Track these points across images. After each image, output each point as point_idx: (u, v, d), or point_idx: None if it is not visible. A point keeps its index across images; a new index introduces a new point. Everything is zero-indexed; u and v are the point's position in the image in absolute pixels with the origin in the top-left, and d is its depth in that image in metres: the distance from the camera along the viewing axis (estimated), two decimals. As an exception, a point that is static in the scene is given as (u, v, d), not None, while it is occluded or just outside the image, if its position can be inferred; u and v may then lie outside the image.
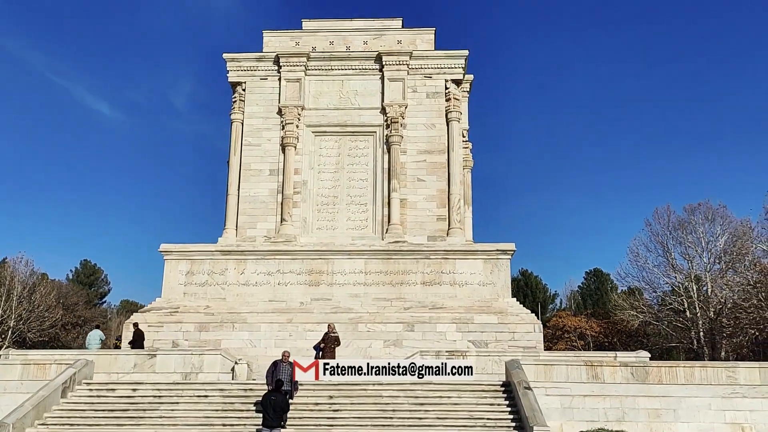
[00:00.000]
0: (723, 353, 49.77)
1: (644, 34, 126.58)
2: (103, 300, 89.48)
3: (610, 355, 27.01)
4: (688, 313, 50.72)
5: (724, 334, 49.81)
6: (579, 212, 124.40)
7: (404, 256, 33.59)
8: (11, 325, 54.06)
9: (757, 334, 48.02)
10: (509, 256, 33.35)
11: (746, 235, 49.76)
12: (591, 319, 69.49)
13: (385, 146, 36.39)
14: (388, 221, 35.02)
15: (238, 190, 36.28)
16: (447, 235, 34.81)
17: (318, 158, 36.89)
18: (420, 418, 19.62)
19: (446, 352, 27.41)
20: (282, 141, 36.63)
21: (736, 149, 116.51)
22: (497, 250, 33.34)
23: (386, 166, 36.00)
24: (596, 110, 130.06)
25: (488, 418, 19.49)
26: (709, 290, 50.35)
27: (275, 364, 20.21)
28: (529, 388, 19.90)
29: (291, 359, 20.80)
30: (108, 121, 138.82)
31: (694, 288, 50.73)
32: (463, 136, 40.09)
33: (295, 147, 36.49)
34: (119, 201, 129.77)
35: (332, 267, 33.71)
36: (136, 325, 33.82)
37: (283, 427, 16.99)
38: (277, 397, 16.66)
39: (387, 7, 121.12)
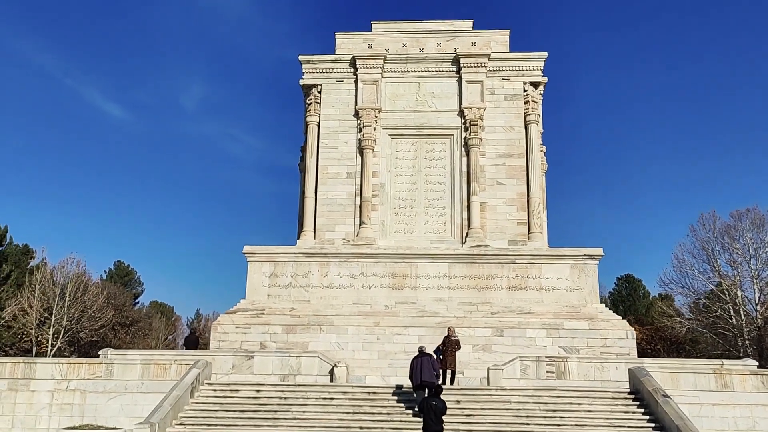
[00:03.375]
0: (771, 361, 49.06)
1: (692, 31, 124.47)
2: (137, 301, 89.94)
3: (716, 363, 26.51)
4: (734, 320, 50.08)
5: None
6: (609, 217, 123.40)
7: (489, 261, 33.30)
8: (64, 325, 54.26)
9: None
10: (596, 261, 33.00)
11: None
12: (634, 325, 68.69)
13: (463, 149, 36.16)
14: (468, 225, 34.75)
15: (315, 192, 36.17)
16: (528, 239, 34.51)
17: (395, 161, 36.73)
18: (558, 425, 19.32)
19: (546, 357, 27.16)
20: (359, 144, 36.50)
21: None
22: (584, 255, 33.00)
23: (465, 169, 35.76)
24: (626, 114, 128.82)
25: (629, 426, 19.15)
26: (757, 297, 49.71)
27: (415, 360, 20.08)
28: (667, 396, 19.55)
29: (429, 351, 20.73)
30: (118, 122, 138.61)
31: (740, 295, 50.10)
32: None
33: (373, 150, 36.35)
34: (133, 201, 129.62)
35: (416, 270, 33.47)
36: (192, 332, 34.28)
37: (442, 430, 16.74)
38: (438, 402, 16.44)
39: (414, 8, 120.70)
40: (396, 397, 21.32)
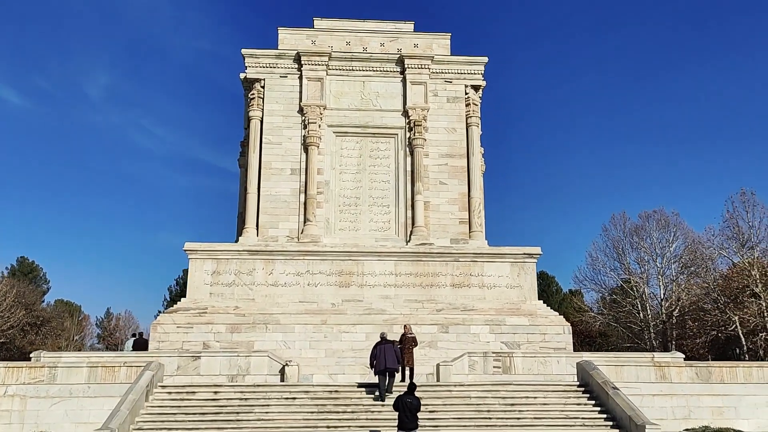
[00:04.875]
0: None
1: (620, 38, 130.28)
2: (42, 299, 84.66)
3: (647, 356, 28.33)
4: (641, 315, 53.77)
5: (676, 336, 53.09)
6: (525, 217, 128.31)
7: (434, 259, 33.91)
8: (-33, 326, 50.23)
9: (717, 334, 51.44)
10: (535, 260, 34.38)
11: (709, 241, 53.28)
12: (547, 320, 71.79)
13: (407, 149, 36.61)
14: (413, 223, 35.24)
15: (258, 188, 35.50)
16: (469, 237, 35.44)
17: (339, 159, 36.66)
18: (518, 419, 20.05)
19: (493, 353, 28.09)
20: (304, 140, 36.13)
21: (689, 158, 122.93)
22: (524, 254, 34.28)
23: (409, 168, 36.22)
24: (546, 115, 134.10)
25: (584, 418, 20.16)
26: (662, 293, 53.59)
27: (378, 346, 20.23)
28: (617, 389, 20.74)
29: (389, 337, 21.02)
30: (16, 110, 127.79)
31: (646, 291, 53.87)
32: (477, 141, 40.79)
33: (318, 147, 36.11)
34: (33, 193, 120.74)
35: (362, 268, 33.57)
36: (140, 334, 32.87)
37: (417, 428, 16.96)
38: (412, 399, 16.64)
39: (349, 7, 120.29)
40: (359, 395, 21.37)
